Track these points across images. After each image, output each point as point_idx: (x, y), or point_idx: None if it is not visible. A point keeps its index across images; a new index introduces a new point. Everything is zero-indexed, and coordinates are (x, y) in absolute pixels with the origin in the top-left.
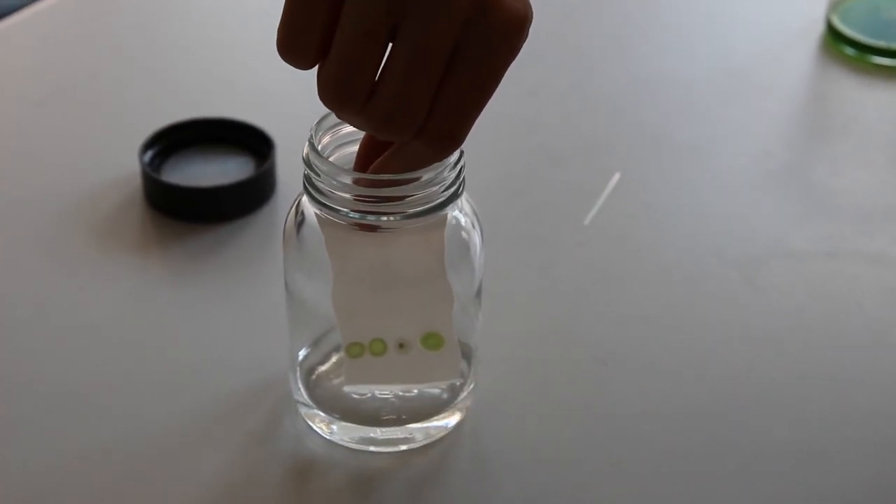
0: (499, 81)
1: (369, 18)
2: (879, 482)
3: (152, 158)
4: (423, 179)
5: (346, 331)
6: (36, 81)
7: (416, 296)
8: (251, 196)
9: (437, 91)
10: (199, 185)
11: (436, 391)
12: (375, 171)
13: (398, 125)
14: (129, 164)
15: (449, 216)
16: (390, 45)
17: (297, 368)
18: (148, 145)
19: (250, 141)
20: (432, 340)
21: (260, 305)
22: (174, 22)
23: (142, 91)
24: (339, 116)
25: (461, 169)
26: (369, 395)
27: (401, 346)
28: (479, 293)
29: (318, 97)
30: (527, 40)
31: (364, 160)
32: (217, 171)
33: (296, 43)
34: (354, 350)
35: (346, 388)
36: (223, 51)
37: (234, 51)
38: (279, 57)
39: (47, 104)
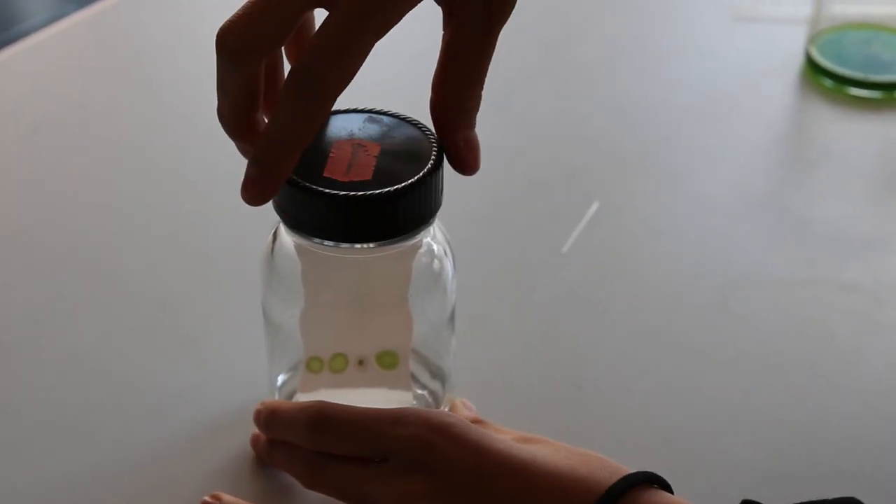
0: None
1: None
2: None
3: None
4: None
5: (310, 346)
6: (32, 109)
7: (382, 319)
8: None
9: None
10: None
11: None
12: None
13: None
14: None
15: (421, 243)
16: None
17: (277, 393)
18: None
19: None
20: (388, 359)
21: (247, 331)
22: (167, 53)
23: (136, 119)
24: None
25: None
26: None
27: (360, 362)
28: (451, 318)
29: None
30: (510, 68)
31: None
32: None
33: None
34: (314, 365)
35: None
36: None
37: None
38: None
39: (42, 130)
